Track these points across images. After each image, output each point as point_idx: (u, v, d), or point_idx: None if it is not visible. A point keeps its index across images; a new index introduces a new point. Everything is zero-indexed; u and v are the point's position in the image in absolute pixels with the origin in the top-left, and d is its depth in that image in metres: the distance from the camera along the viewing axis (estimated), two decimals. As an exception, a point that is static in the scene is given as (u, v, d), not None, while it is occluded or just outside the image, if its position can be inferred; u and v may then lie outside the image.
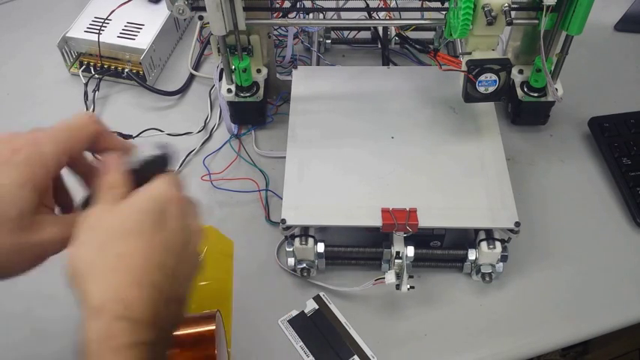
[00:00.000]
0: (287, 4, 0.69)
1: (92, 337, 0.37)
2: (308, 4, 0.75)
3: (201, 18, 0.65)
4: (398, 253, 0.60)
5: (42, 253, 0.42)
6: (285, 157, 0.66)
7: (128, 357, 0.37)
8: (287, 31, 0.84)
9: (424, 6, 0.70)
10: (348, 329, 0.61)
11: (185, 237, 0.43)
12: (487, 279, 0.62)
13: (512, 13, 0.60)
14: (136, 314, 0.38)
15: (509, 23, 0.59)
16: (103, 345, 0.37)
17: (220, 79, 0.73)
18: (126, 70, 0.83)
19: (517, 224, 0.60)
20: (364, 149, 0.67)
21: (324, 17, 0.76)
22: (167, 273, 0.40)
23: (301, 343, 0.60)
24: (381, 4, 0.77)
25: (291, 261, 0.63)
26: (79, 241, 0.40)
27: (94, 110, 0.81)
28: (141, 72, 0.82)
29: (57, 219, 0.43)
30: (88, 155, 0.47)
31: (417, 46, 0.80)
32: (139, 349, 0.37)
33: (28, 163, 0.40)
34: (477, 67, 0.62)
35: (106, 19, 0.84)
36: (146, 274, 0.39)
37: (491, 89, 0.64)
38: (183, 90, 0.83)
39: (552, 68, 0.69)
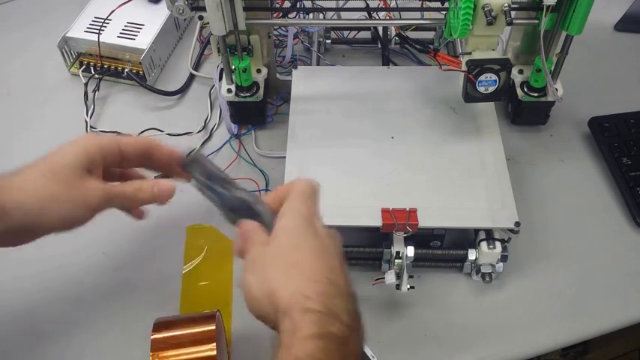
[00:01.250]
0: (287, 4, 0.69)
1: (284, 332, 0.41)
2: (308, 4, 0.75)
3: (201, 18, 0.65)
4: (398, 253, 0.60)
5: (85, 200, 0.50)
6: (285, 157, 0.66)
7: (315, 346, 0.40)
8: (287, 31, 0.84)
9: (424, 6, 0.70)
10: (348, 329, 0.60)
11: (333, 238, 0.47)
12: (487, 279, 0.62)
13: (512, 13, 0.60)
14: (319, 306, 0.41)
15: (509, 23, 0.59)
16: (294, 337, 0.40)
17: (220, 79, 0.73)
18: (126, 70, 0.83)
19: (517, 224, 0.60)
20: (364, 149, 0.67)
21: (324, 17, 0.76)
22: (336, 270, 0.45)
23: (301, 343, 0.60)
24: (381, 4, 0.77)
25: (291, 261, 0.62)
26: (247, 274, 0.46)
27: (93, 110, 0.81)
28: (141, 72, 0.82)
29: (102, 183, 0.52)
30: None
31: (417, 46, 0.80)
32: (324, 339, 0.40)
33: (87, 140, 0.53)
34: (477, 67, 0.62)
35: (106, 19, 0.84)
36: (320, 272, 0.44)
37: (491, 89, 0.64)
38: (183, 90, 0.83)
39: (552, 68, 0.69)
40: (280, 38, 0.87)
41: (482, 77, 0.62)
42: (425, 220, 0.60)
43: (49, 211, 0.49)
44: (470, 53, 0.63)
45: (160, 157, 0.56)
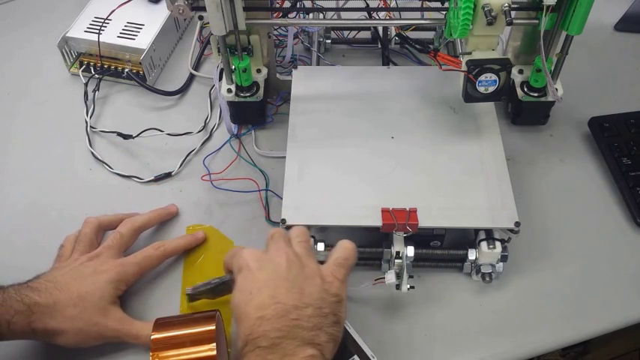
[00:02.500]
0: (287, 4, 0.69)
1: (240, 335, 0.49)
2: (308, 4, 0.75)
3: (201, 18, 0.65)
4: (398, 253, 0.60)
5: (102, 334, 0.58)
6: (285, 157, 0.66)
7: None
8: (287, 31, 0.84)
9: (424, 6, 0.70)
10: (348, 329, 0.60)
11: (319, 284, 0.52)
12: (487, 279, 0.62)
13: (512, 13, 0.60)
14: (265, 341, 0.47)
15: (509, 23, 0.59)
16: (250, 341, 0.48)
17: (220, 79, 0.73)
18: (126, 70, 0.83)
19: (517, 224, 0.60)
20: (364, 149, 0.67)
21: (324, 17, 0.76)
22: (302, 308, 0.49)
23: (301, 343, 0.60)
24: (381, 4, 0.77)
25: (291, 261, 0.62)
26: (236, 291, 0.52)
27: (93, 110, 0.81)
28: (141, 72, 0.82)
29: (120, 314, 0.59)
30: None
31: (417, 46, 0.80)
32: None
33: (116, 274, 0.60)
34: (477, 67, 0.62)
35: (106, 19, 0.84)
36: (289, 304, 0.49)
37: (491, 89, 0.64)
38: (183, 90, 0.83)
39: (552, 68, 0.69)
40: (280, 38, 0.87)
41: (482, 77, 0.62)
42: (425, 220, 0.60)
43: (70, 337, 0.57)
44: (470, 53, 0.63)
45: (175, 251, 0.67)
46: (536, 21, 0.65)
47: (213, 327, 0.55)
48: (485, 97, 0.65)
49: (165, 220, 0.69)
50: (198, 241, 0.67)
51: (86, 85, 0.83)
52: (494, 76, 0.62)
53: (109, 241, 0.63)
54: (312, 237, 0.61)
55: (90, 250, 0.62)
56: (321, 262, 0.54)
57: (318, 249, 0.61)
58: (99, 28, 0.83)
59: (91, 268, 0.60)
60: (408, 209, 0.60)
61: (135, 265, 0.62)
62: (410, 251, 0.60)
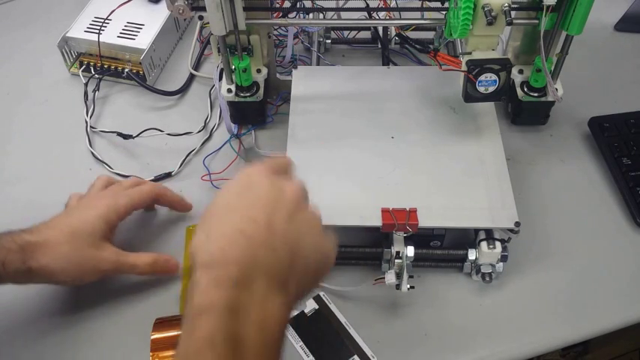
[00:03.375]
0: (287, 4, 0.69)
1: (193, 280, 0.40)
2: (308, 4, 0.75)
3: (201, 18, 0.65)
4: (398, 253, 0.60)
5: (98, 267, 0.58)
6: (285, 157, 0.66)
7: (218, 295, 0.38)
8: (287, 31, 0.84)
9: (424, 6, 0.70)
10: (348, 329, 0.60)
11: (276, 193, 0.45)
12: (487, 279, 0.62)
13: (512, 13, 0.60)
14: (224, 258, 0.40)
15: (509, 23, 0.59)
16: (201, 284, 0.39)
17: (220, 79, 0.73)
18: (126, 70, 0.83)
19: (517, 224, 0.60)
20: (364, 149, 0.67)
21: (324, 17, 0.76)
22: (259, 224, 0.42)
23: (301, 343, 0.60)
24: (381, 4, 0.77)
25: (291, 261, 0.62)
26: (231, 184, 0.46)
27: (93, 110, 0.81)
28: (141, 72, 0.82)
29: (114, 248, 0.60)
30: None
31: (417, 46, 0.80)
32: (229, 289, 0.39)
33: (107, 206, 0.60)
34: (477, 67, 0.62)
35: (106, 19, 0.84)
36: (236, 225, 0.42)
37: (491, 89, 0.64)
38: (183, 90, 0.83)
39: (552, 68, 0.69)
40: (280, 38, 0.87)
41: (482, 77, 0.62)
42: (425, 220, 0.60)
43: (67, 273, 0.57)
44: (470, 53, 0.63)
45: (165, 201, 0.67)
46: (536, 21, 0.65)
47: (213, 327, 0.54)
48: (485, 97, 0.65)
49: (177, 208, 0.69)
50: (186, 208, 0.68)
51: (86, 85, 0.83)
52: (494, 76, 0.62)
53: (107, 188, 0.65)
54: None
55: None
56: None
57: (318, 249, 0.61)
58: (99, 28, 0.83)
59: (82, 205, 0.61)
60: (408, 209, 0.60)
61: (126, 196, 0.62)
62: (410, 251, 0.60)
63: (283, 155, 0.55)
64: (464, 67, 0.63)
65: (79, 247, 0.57)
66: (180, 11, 0.63)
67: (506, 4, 0.58)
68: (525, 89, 0.73)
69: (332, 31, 0.87)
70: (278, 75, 0.79)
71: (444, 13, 0.64)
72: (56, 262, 0.56)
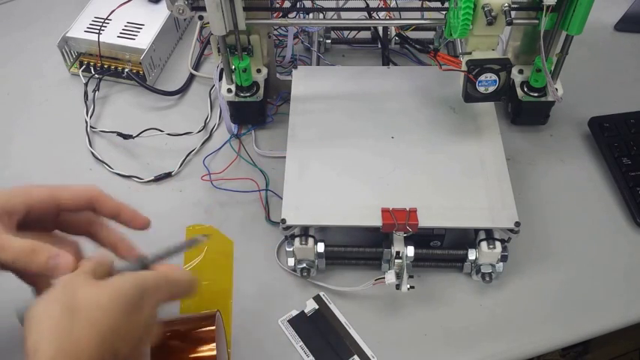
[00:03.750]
0: (287, 4, 0.69)
1: None
2: (308, 4, 0.75)
3: (201, 18, 0.65)
4: (398, 253, 0.60)
5: None
6: (285, 157, 0.66)
7: None
8: (287, 31, 0.84)
9: (424, 6, 0.70)
10: (348, 329, 0.61)
11: (144, 333, 0.44)
12: (487, 279, 0.62)
13: (512, 13, 0.60)
14: None
15: (509, 23, 0.59)
16: None
17: (220, 79, 0.73)
18: (126, 70, 0.83)
19: (517, 224, 0.60)
20: (364, 149, 0.67)
21: (324, 17, 0.76)
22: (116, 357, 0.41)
23: (301, 343, 0.60)
24: (381, 4, 0.77)
25: (291, 261, 0.63)
26: (50, 297, 0.42)
27: (93, 110, 0.81)
28: (141, 72, 0.82)
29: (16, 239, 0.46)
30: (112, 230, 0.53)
31: (417, 46, 0.80)
32: None
33: (13, 197, 0.47)
34: (477, 67, 0.62)
35: (106, 19, 0.84)
36: (95, 351, 0.40)
37: (491, 89, 0.64)
38: (183, 90, 0.83)
39: (552, 68, 0.69)
40: (280, 38, 0.87)
41: (482, 77, 0.62)
42: (425, 220, 0.60)
43: None
44: (470, 53, 0.63)
45: (105, 209, 0.52)
46: (536, 21, 0.65)
47: (213, 327, 0.55)
48: (485, 97, 0.65)
49: (125, 221, 0.53)
50: (139, 223, 0.53)
51: (86, 85, 0.83)
52: (494, 76, 0.62)
53: None
54: (312, 237, 0.61)
55: None
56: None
57: (319, 249, 0.61)
58: (99, 28, 0.83)
59: None
60: (408, 209, 0.60)
61: (45, 189, 0.49)
62: (410, 251, 0.60)
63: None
64: (464, 67, 0.63)
65: None
66: (180, 11, 0.63)
67: (506, 4, 0.58)
68: (525, 89, 0.73)
69: (332, 31, 0.87)
70: (278, 75, 0.79)
71: (444, 13, 0.64)
72: None
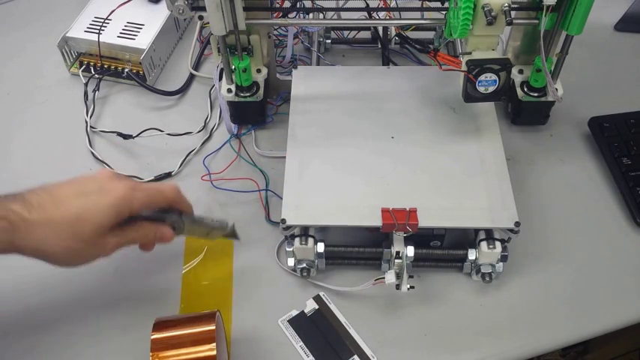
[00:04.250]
0: (287, 4, 0.69)
1: None
2: (308, 4, 0.75)
3: (201, 18, 0.65)
4: (398, 253, 0.60)
5: (97, 256, 0.55)
6: (285, 157, 0.66)
7: None
8: (287, 31, 0.84)
9: (424, 6, 0.70)
10: (348, 329, 0.60)
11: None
12: (487, 279, 0.62)
13: (512, 13, 0.60)
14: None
15: (509, 23, 0.59)
16: None
17: (220, 79, 0.73)
18: (126, 70, 0.83)
19: (517, 224, 0.60)
20: (364, 149, 0.67)
21: (324, 17, 0.76)
22: None
23: (301, 343, 0.60)
24: (381, 4, 0.77)
25: (291, 261, 0.63)
26: None
27: (93, 110, 0.81)
28: (141, 72, 0.82)
29: (117, 235, 0.55)
30: None
31: (417, 46, 0.80)
32: None
33: (122, 198, 0.54)
34: (477, 67, 0.62)
35: (106, 19, 0.84)
36: None
37: (491, 89, 0.64)
38: (183, 90, 0.83)
39: (552, 68, 0.69)
40: (280, 38, 0.87)
41: (482, 77, 0.62)
42: (425, 220, 0.60)
43: (67, 261, 0.54)
44: (470, 53, 0.63)
45: (180, 208, 0.61)
46: (536, 21, 0.65)
47: (213, 327, 0.55)
48: (485, 97, 0.65)
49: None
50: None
51: (86, 85, 0.83)
52: (494, 76, 0.62)
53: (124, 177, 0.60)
54: (312, 237, 0.61)
55: None
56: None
57: (319, 249, 0.61)
58: (99, 28, 0.83)
59: (98, 183, 0.55)
60: (408, 209, 0.60)
61: (144, 192, 0.56)
62: (410, 251, 0.60)
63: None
64: (464, 67, 0.63)
65: (83, 237, 0.52)
66: (180, 11, 0.63)
67: (506, 4, 0.58)
68: (525, 89, 0.73)
69: (332, 31, 0.87)
70: (278, 75, 0.79)
71: (444, 13, 0.64)
72: (54, 248, 0.51)
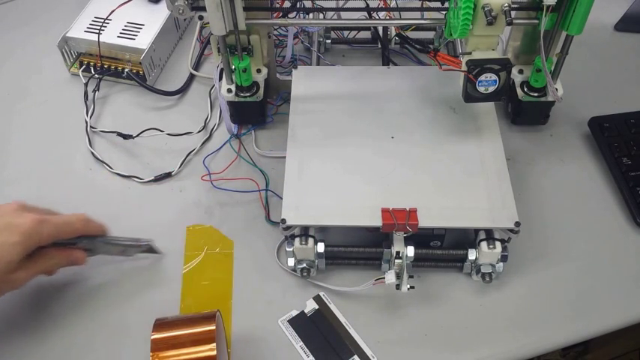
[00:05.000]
0: (287, 4, 0.69)
1: None
2: (308, 4, 0.75)
3: (201, 18, 0.65)
4: (398, 253, 0.60)
5: (10, 289, 0.56)
6: (285, 157, 0.66)
7: None
8: (287, 31, 0.84)
9: (424, 6, 0.70)
10: (348, 329, 0.61)
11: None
12: (487, 279, 0.62)
13: (512, 13, 0.60)
14: None
15: (509, 23, 0.59)
16: None
17: (220, 79, 0.73)
18: (126, 70, 0.83)
19: (517, 224, 0.60)
20: (364, 149, 0.67)
21: (324, 17, 0.76)
22: None
23: (301, 343, 0.60)
24: (381, 4, 0.77)
25: (291, 261, 0.63)
26: None
27: (93, 110, 0.81)
28: (141, 72, 0.82)
29: (28, 268, 0.57)
30: None
31: (417, 46, 0.80)
32: None
33: (29, 233, 0.55)
34: (477, 67, 0.62)
35: (106, 19, 0.84)
36: None
37: (491, 89, 0.64)
38: (183, 90, 0.83)
39: (552, 68, 0.69)
40: (280, 38, 0.87)
41: (482, 77, 0.62)
42: (425, 220, 0.60)
43: None
44: (470, 53, 0.63)
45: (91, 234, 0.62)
46: (536, 21, 0.65)
47: (213, 327, 0.55)
48: (485, 97, 0.65)
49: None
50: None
51: (86, 85, 0.83)
52: (494, 76, 0.62)
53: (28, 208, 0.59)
54: (312, 237, 0.61)
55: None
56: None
57: (319, 249, 0.61)
58: (99, 28, 0.83)
59: (4, 219, 0.56)
60: (408, 209, 0.60)
61: (52, 225, 0.57)
62: (410, 251, 0.60)
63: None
64: (464, 67, 0.63)
65: None
66: (180, 11, 0.63)
67: (506, 4, 0.58)
68: (525, 89, 0.73)
69: (332, 31, 0.87)
70: (278, 75, 0.79)
71: (444, 13, 0.64)
72: None
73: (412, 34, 0.83)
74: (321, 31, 0.85)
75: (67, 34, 0.83)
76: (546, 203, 0.70)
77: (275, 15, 0.67)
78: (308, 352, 0.59)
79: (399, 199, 0.62)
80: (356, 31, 0.88)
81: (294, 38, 0.85)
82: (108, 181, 0.74)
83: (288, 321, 0.61)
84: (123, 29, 0.83)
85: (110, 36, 0.82)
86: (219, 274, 0.65)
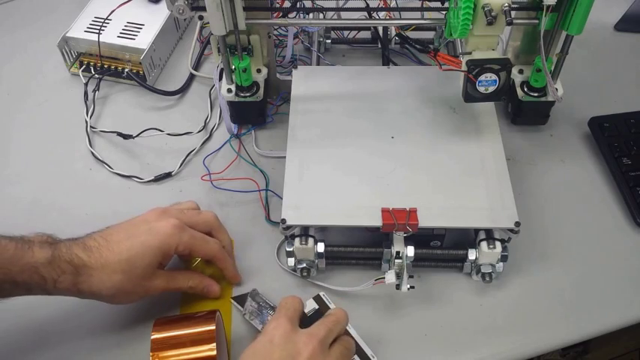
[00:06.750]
0: (287, 4, 0.69)
1: None
2: (308, 4, 0.75)
3: (201, 18, 0.65)
4: (398, 253, 0.60)
5: (147, 294, 0.58)
6: (285, 157, 0.66)
7: None
8: (287, 31, 0.85)
9: (424, 6, 0.70)
10: (348, 329, 0.60)
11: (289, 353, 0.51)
12: (487, 279, 0.62)
13: (512, 12, 0.60)
14: None
15: (509, 23, 0.59)
16: None
17: (220, 79, 0.73)
18: (126, 70, 0.83)
19: (517, 224, 0.60)
20: (364, 149, 0.67)
21: (324, 17, 0.76)
22: None
23: (301, 343, 0.60)
24: (381, 4, 0.77)
25: (291, 261, 0.63)
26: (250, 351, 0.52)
27: (93, 110, 0.81)
28: (141, 72, 0.82)
29: (165, 275, 0.59)
30: None
31: (417, 46, 0.80)
32: None
33: (169, 238, 0.58)
34: (477, 67, 0.62)
35: (106, 19, 0.84)
36: None
37: (491, 89, 0.64)
38: (183, 90, 0.83)
39: (552, 68, 0.69)
40: (280, 38, 0.87)
41: (482, 77, 0.62)
42: (425, 220, 0.60)
43: (116, 299, 0.57)
44: (470, 53, 0.63)
45: (220, 264, 0.63)
46: (536, 21, 0.65)
47: (213, 327, 0.55)
48: (485, 97, 0.65)
49: (226, 275, 0.64)
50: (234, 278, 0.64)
51: (86, 85, 0.83)
52: (494, 76, 0.62)
53: (183, 206, 0.63)
54: (312, 237, 0.61)
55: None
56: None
57: (319, 249, 0.61)
58: (99, 28, 0.83)
59: (147, 225, 0.58)
60: (408, 209, 0.60)
61: (191, 237, 0.59)
62: (410, 251, 0.60)
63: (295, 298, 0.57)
64: (464, 67, 0.63)
65: (133, 277, 0.56)
66: (181, 11, 0.63)
67: (506, 4, 0.58)
68: (525, 89, 0.73)
69: (332, 31, 0.87)
70: (278, 75, 0.79)
71: (444, 13, 0.64)
72: (108, 290, 0.56)
73: (412, 34, 0.83)
74: (321, 31, 0.85)
75: (67, 34, 0.83)
76: (546, 203, 0.70)
77: (275, 15, 0.67)
78: (308, 352, 0.59)
79: (399, 199, 0.62)
80: (356, 31, 0.88)
81: (294, 38, 0.85)
82: (108, 181, 0.74)
83: (288, 321, 0.61)
84: (123, 29, 0.83)
85: (110, 36, 0.82)
86: (219, 274, 0.65)
